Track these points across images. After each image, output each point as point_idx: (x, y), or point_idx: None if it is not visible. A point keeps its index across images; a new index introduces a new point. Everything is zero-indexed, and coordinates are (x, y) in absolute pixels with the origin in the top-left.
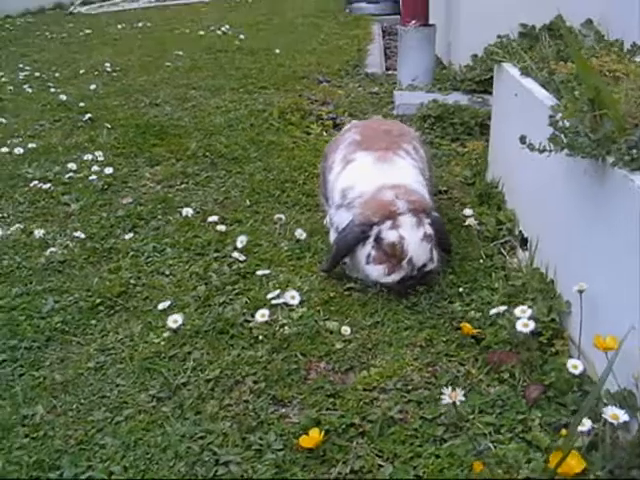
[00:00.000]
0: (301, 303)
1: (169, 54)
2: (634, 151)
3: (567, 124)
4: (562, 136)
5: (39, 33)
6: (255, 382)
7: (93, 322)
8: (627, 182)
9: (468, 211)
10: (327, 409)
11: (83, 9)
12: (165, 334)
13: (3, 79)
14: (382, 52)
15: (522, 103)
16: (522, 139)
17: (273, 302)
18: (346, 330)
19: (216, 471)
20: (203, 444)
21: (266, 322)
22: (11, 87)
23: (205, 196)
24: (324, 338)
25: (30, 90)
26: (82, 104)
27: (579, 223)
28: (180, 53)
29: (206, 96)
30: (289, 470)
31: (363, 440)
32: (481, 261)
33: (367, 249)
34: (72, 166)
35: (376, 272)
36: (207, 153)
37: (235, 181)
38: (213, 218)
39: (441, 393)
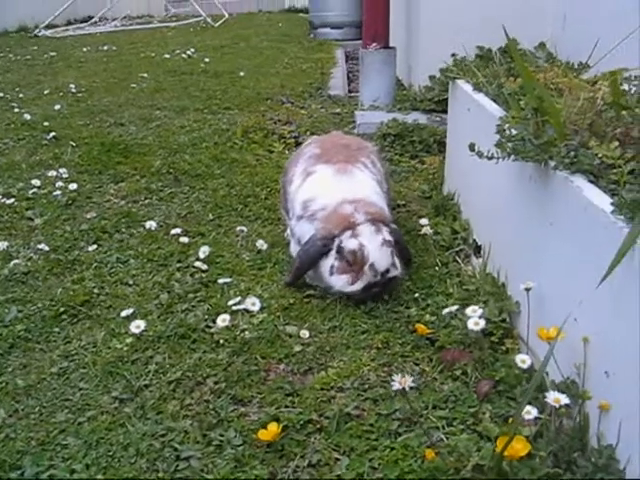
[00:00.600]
0: (261, 309)
1: (134, 76)
2: (572, 153)
3: (513, 132)
4: (508, 143)
5: (2, 55)
6: (216, 383)
7: (56, 330)
8: (567, 183)
9: (424, 221)
10: (286, 407)
11: (48, 32)
12: (128, 340)
13: None
14: (345, 75)
15: (474, 117)
16: (471, 147)
17: (234, 308)
18: (305, 334)
19: (177, 466)
20: (164, 441)
21: (227, 327)
22: None
23: (169, 211)
24: (283, 342)
25: None
26: (46, 123)
27: (527, 226)
28: (145, 75)
29: (170, 116)
30: (248, 464)
31: (320, 435)
32: (437, 268)
33: (329, 261)
34: (36, 182)
35: (340, 282)
36: (171, 170)
37: (198, 196)
38: (176, 230)
39: (392, 381)
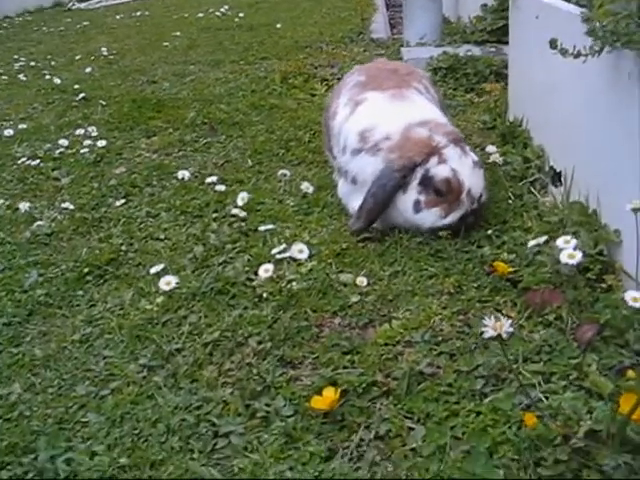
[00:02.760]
0: (310, 257)
1: (167, 36)
2: None
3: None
4: (602, 30)
5: (37, 29)
6: (259, 343)
7: (80, 293)
8: None
9: (491, 148)
10: (344, 368)
11: (82, 5)
12: (158, 299)
13: None
14: (387, 21)
15: (544, 24)
16: (552, 43)
17: (278, 257)
18: (362, 281)
19: (215, 444)
20: (200, 415)
21: (271, 278)
22: (5, 77)
23: (204, 161)
24: (337, 292)
25: (24, 78)
26: (77, 86)
27: (625, 138)
28: (178, 34)
29: (205, 70)
30: (301, 439)
31: (388, 400)
32: (510, 202)
33: (411, 196)
34: (64, 142)
35: (431, 217)
36: (206, 120)
37: (236, 144)
38: (212, 179)
39: (484, 326)
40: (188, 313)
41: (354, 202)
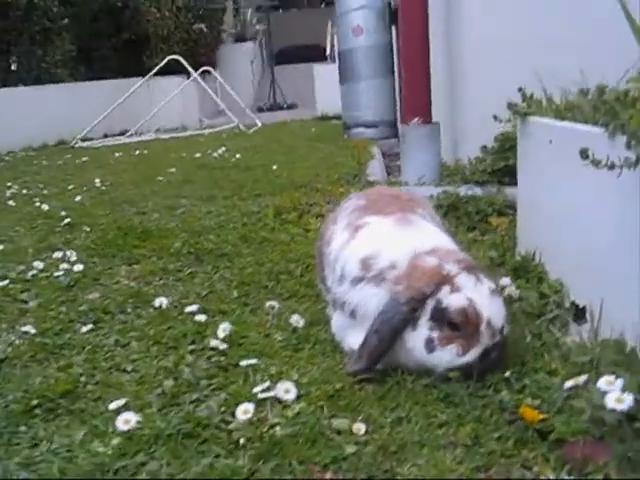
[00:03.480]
0: (298, 398)
1: (162, 172)
2: None
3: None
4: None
5: (36, 162)
6: None
7: (23, 429)
8: None
9: (505, 280)
10: None
11: (84, 144)
12: (115, 441)
13: None
14: (383, 166)
15: (559, 148)
16: (583, 153)
17: (261, 396)
18: (360, 429)
19: None
20: None
21: (250, 421)
22: None
23: (186, 290)
24: (330, 440)
25: (14, 204)
26: (63, 212)
27: None
28: (173, 170)
29: (197, 204)
30: None
31: None
32: (527, 341)
33: (423, 332)
34: (38, 265)
35: (447, 356)
36: (192, 250)
37: (223, 275)
38: (192, 308)
39: None
40: (147, 459)
41: (351, 338)
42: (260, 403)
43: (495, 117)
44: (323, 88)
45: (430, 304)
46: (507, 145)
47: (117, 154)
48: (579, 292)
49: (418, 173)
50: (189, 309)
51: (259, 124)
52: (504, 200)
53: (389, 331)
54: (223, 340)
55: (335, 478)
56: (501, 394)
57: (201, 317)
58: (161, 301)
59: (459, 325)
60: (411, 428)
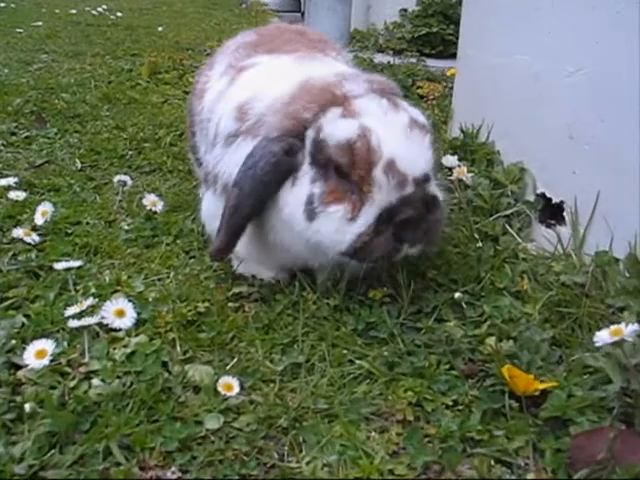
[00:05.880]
0: (137, 326)
1: (24, 25)
2: None
3: None
4: None
5: None
6: None
7: None
8: None
9: (452, 159)
10: None
11: None
12: None
13: None
14: None
15: None
16: None
17: (74, 325)
18: (232, 385)
19: None
20: None
21: (50, 370)
22: None
23: (16, 158)
24: (180, 405)
25: None
26: None
27: None
28: (39, 24)
29: (59, 60)
30: None
31: None
32: (479, 245)
33: (303, 188)
34: None
35: (331, 222)
36: (37, 109)
37: (68, 140)
38: (8, 181)
39: None
40: None
41: None
42: (73, 336)
43: None
44: None
45: (310, 136)
46: (430, 10)
47: None
48: (555, 181)
49: None
50: (3, 182)
51: None
52: (426, 71)
53: (253, 182)
54: (39, 230)
55: (183, 478)
56: (448, 326)
57: (18, 194)
58: None
59: (344, 168)
60: (315, 383)
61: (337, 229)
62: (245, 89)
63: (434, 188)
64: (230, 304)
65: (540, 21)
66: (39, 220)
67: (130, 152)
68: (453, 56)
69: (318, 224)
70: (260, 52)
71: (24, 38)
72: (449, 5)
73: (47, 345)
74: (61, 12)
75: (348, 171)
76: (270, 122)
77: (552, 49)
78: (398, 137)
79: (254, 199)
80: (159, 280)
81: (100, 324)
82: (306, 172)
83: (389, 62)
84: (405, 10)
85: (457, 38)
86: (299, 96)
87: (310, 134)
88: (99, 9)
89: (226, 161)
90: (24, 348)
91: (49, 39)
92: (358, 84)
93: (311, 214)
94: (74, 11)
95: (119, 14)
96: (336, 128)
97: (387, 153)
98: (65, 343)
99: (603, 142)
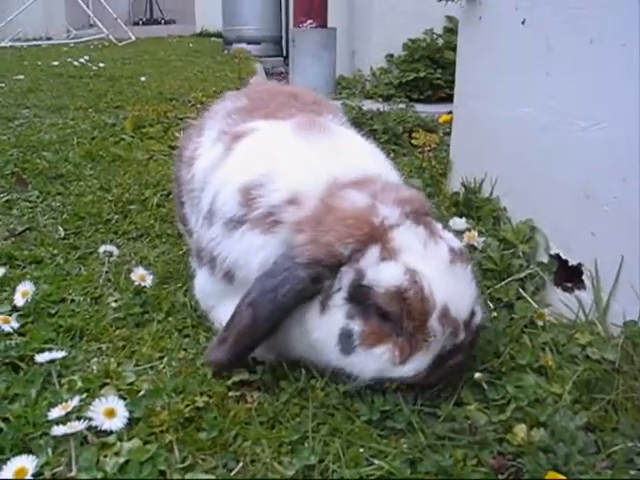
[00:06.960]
0: (130, 426)
1: (6, 79)
2: None
3: None
4: None
5: None
6: None
7: None
8: None
9: (459, 221)
10: None
11: None
12: None
13: None
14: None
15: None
16: None
17: (56, 433)
18: None
19: None
20: None
21: None
22: None
23: None
24: None
25: None
26: None
27: None
28: (21, 77)
29: (41, 115)
30: None
31: None
32: (494, 314)
33: (337, 319)
34: None
35: (376, 362)
36: (18, 169)
37: (51, 204)
38: None
39: None
40: None
41: (223, 311)
42: (59, 440)
43: None
44: (204, 2)
45: (348, 274)
46: (417, 55)
47: None
48: (571, 241)
49: (309, 85)
50: None
51: (133, 38)
52: (417, 117)
53: (272, 308)
54: (20, 310)
55: None
56: (470, 411)
57: None
58: None
59: (393, 316)
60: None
61: (381, 369)
62: (248, 166)
63: (477, 315)
64: (231, 393)
65: (545, 68)
66: (19, 301)
67: (116, 216)
68: (442, 100)
69: (356, 359)
70: (255, 117)
71: (6, 92)
72: (436, 49)
73: (27, 462)
74: (43, 64)
75: (398, 319)
76: (297, 241)
77: (561, 103)
78: (447, 279)
79: (271, 324)
80: (151, 368)
81: (91, 427)
82: (339, 305)
83: (378, 109)
84: (391, 55)
85: (445, 82)
86: (331, 222)
87: (348, 275)
88: (81, 60)
89: (228, 247)
90: (2, 462)
91: (31, 93)
92: (392, 208)
93: (348, 349)
94: (56, 63)
95: (101, 64)
96: (381, 273)
97: (440, 301)
98: (49, 450)
99: (625, 203)
